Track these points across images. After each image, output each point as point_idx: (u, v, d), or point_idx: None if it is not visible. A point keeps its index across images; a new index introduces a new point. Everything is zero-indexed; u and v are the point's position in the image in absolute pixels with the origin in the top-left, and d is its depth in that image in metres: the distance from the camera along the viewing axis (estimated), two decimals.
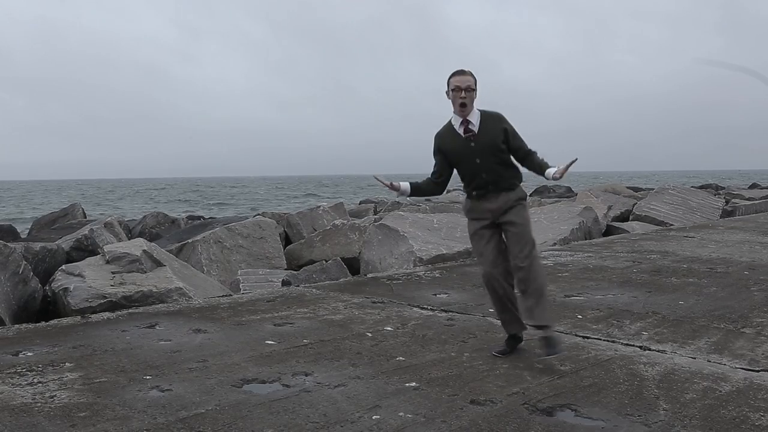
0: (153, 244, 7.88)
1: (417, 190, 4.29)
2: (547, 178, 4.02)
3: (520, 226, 4.04)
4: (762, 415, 3.22)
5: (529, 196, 26.26)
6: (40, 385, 3.57)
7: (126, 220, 16.52)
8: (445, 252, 8.25)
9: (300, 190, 78.97)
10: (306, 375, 3.77)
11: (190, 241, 9.60)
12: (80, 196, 62.38)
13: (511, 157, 4.14)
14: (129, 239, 9.79)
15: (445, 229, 9.31)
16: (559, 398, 3.43)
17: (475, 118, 4.07)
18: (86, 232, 9.53)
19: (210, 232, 9.88)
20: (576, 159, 3.92)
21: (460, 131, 4.07)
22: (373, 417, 3.16)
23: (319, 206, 13.89)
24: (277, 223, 11.61)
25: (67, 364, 3.94)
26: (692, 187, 21.36)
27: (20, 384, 3.58)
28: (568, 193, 27.09)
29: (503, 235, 4.12)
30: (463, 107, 4.02)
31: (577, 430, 3.05)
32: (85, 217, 16.39)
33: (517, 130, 4.13)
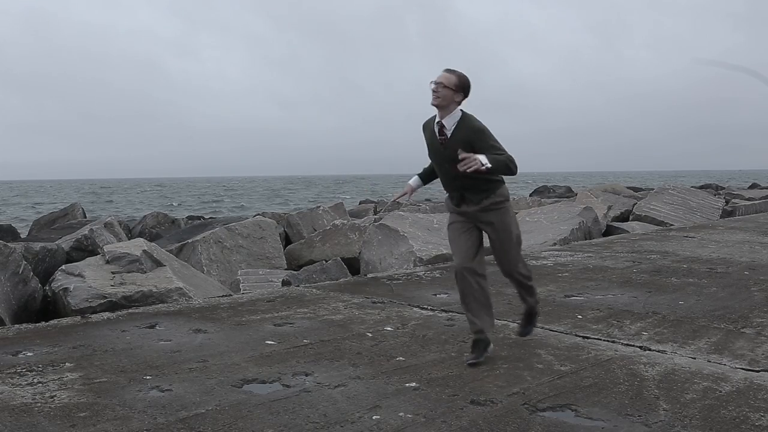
0: (153, 244, 7.88)
1: (426, 176, 4.36)
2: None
3: (500, 232, 4.05)
4: (762, 415, 3.22)
5: (529, 196, 26.21)
6: (40, 385, 3.57)
7: (126, 220, 16.52)
8: (445, 252, 8.25)
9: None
10: (306, 375, 3.77)
11: (190, 241, 9.60)
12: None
13: None
14: (129, 239, 9.79)
15: (445, 229, 9.32)
16: (559, 398, 3.43)
17: (450, 123, 3.95)
18: (86, 232, 9.53)
19: (210, 232, 9.89)
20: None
21: (437, 131, 4.02)
22: (373, 417, 3.16)
23: (319, 206, 13.89)
24: (277, 223, 11.61)
25: (67, 364, 3.94)
26: (692, 187, 21.36)
27: (20, 384, 3.58)
28: (568, 193, 27.07)
29: (484, 233, 4.13)
30: (435, 105, 3.96)
31: (577, 430, 3.05)
32: (85, 217, 16.39)
33: (497, 144, 3.92)
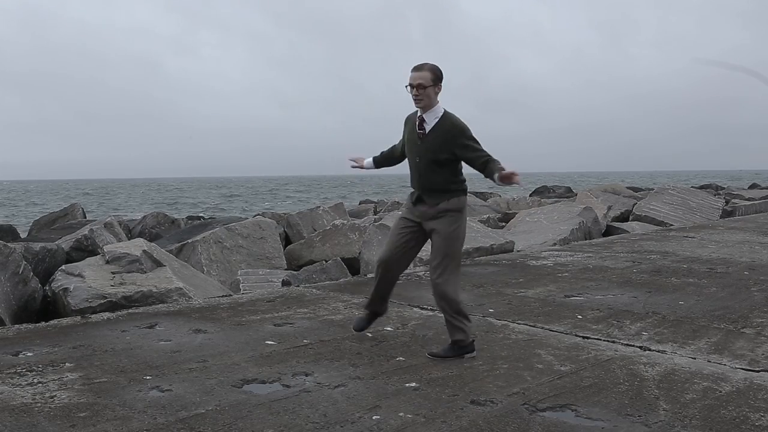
0: (153, 244, 7.87)
1: (378, 162, 4.51)
2: (495, 182, 3.88)
3: (442, 236, 4.02)
4: (762, 416, 3.22)
5: (529, 196, 26.15)
6: (40, 385, 3.57)
7: (126, 220, 16.52)
8: None
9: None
10: (306, 375, 3.77)
11: (190, 241, 9.59)
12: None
13: (459, 168, 4.09)
14: (129, 239, 9.78)
15: None
16: (559, 398, 3.43)
17: (432, 118, 4.02)
18: (86, 232, 9.52)
19: (210, 232, 9.88)
20: (516, 178, 3.77)
21: (417, 124, 4.10)
22: (373, 417, 3.16)
23: (319, 206, 13.89)
24: (277, 223, 11.61)
25: (67, 364, 3.94)
26: (692, 187, 21.36)
27: (20, 384, 3.58)
28: (568, 193, 27.09)
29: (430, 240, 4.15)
30: (419, 108, 4.05)
31: (577, 430, 3.05)
32: (85, 217, 16.39)
33: (475, 143, 3.96)
